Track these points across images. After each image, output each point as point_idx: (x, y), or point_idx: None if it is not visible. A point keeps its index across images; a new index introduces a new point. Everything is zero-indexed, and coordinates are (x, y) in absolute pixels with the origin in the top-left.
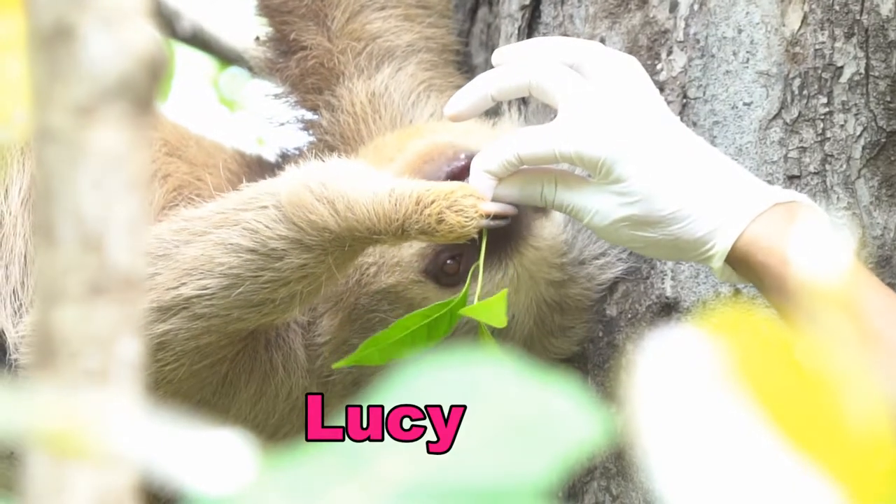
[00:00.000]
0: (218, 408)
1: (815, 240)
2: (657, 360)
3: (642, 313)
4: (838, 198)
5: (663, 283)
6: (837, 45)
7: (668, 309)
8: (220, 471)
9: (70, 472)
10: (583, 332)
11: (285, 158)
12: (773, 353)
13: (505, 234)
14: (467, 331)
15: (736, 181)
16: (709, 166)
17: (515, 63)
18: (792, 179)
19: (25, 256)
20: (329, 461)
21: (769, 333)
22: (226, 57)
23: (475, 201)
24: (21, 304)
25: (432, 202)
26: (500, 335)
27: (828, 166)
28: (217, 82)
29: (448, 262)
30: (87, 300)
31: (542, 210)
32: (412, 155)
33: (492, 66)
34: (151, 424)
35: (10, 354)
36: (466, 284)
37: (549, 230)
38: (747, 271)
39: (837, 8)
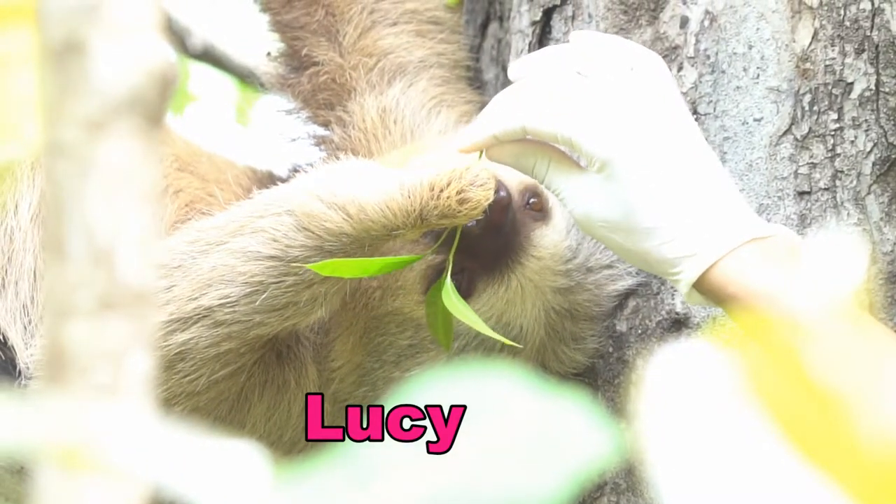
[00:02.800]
0: (233, 425)
1: (816, 272)
2: (667, 375)
3: (652, 329)
4: (848, 214)
5: (673, 299)
6: (848, 61)
7: (679, 324)
8: (233, 485)
9: (80, 486)
10: (594, 344)
11: (297, 174)
12: (783, 369)
13: (503, 247)
14: (476, 345)
15: (720, 208)
16: (698, 187)
17: (516, 97)
18: (802, 195)
19: (35, 272)
20: (341, 474)
21: (779, 349)
22: (237, 73)
23: (489, 172)
24: (31, 320)
25: (448, 184)
26: (512, 347)
27: (838, 182)
28: (242, 106)
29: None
30: (97, 315)
31: (543, 217)
32: None
33: (507, 82)
34: (163, 438)
35: (20, 369)
36: (432, 250)
37: (550, 238)
38: (715, 299)
39: (848, 24)
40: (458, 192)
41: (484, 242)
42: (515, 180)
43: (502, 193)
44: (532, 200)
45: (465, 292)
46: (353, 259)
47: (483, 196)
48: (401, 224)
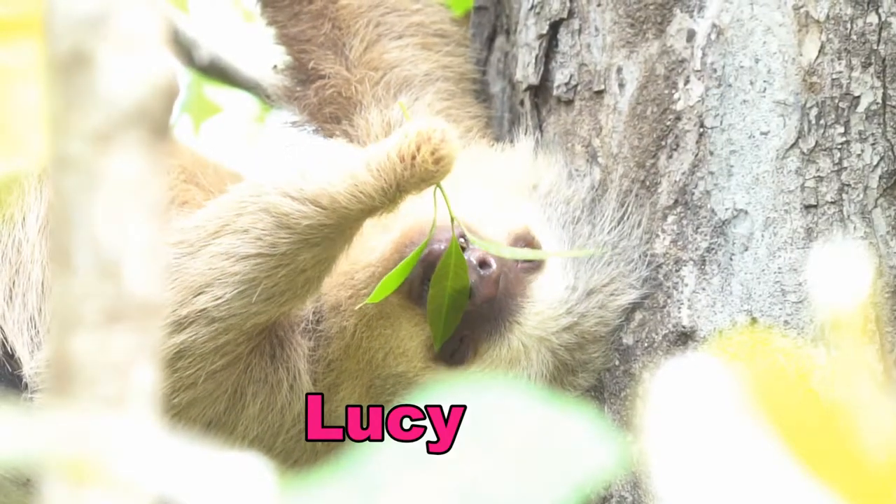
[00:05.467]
0: (227, 426)
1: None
2: (673, 389)
3: (659, 342)
4: (855, 227)
5: (680, 312)
6: (854, 74)
7: (685, 338)
8: (238, 496)
9: (86, 498)
10: (601, 361)
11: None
12: (789, 383)
13: (499, 312)
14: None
15: None
16: None
17: None
18: (808, 209)
19: (43, 284)
20: (348, 484)
21: (785, 363)
22: (244, 86)
23: (447, 125)
24: (38, 332)
25: (419, 148)
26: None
27: (844, 196)
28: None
29: (454, 346)
30: (103, 327)
31: (537, 266)
32: (398, 235)
33: (513, 95)
34: (169, 450)
35: (26, 381)
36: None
37: (548, 287)
38: None
39: (855, 38)
40: (433, 153)
41: (479, 312)
42: (504, 232)
43: (492, 268)
44: None
45: (467, 359)
46: (384, 281)
47: (456, 148)
48: (378, 204)
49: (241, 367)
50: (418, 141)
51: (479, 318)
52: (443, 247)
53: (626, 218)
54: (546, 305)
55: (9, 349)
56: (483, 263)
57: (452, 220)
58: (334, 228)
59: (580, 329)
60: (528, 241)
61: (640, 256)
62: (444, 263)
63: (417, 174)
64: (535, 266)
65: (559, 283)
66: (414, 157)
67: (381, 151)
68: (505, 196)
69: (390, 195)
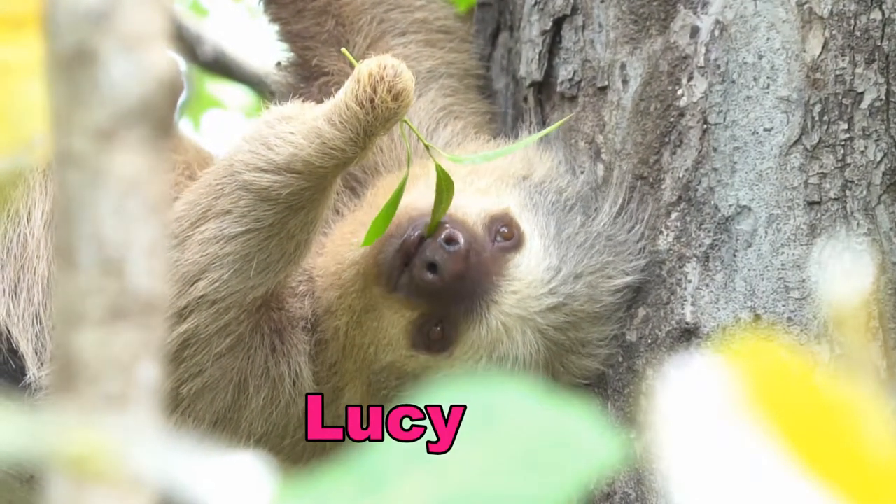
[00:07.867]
0: (232, 423)
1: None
2: (677, 385)
3: (662, 339)
4: (858, 224)
5: (683, 309)
6: (858, 70)
7: (688, 335)
8: (240, 494)
9: (90, 495)
10: (604, 349)
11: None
12: (792, 379)
13: (474, 290)
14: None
15: None
16: None
17: None
18: (812, 205)
19: (48, 279)
20: (348, 483)
21: (788, 360)
22: (247, 82)
23: (394, 59)
24: (43, 328)
25: (375, 89)
26: (516, 365)
27: (848, 192)
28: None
29: (433, 328)
30: (107, 324)
31: (516, 245)
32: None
33: (517, 91)
34: (171, 448)
35: (29, 377)
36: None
37: (526, 265)
38: None
39: (858, 34)
40: (389, 91)
41: (452, 290)
42: (481, 213)
43: (459, 244)
44: (502, 229)
45: (448, 340)
46: (372, 223)
47: (409, 78)
48: (351, 154)
49: (243, 351)
50: (372, 83)
51: (454, 297)
52: (417, 233)
53: (624, 212)
54: (524, 284)
55: (13, 345)
56: (450, 240)
57: (428, 148)
58: (315, 189)
59: (569, 309)
60: (506, 222)
61: (639, 250)
62: (438, 192)
63: (381, 115)
64: (514, 244)
65: (539, 262)
66: (373, 100)
67: (339, 103)
68: (490, 184)
69: (360, 143)
